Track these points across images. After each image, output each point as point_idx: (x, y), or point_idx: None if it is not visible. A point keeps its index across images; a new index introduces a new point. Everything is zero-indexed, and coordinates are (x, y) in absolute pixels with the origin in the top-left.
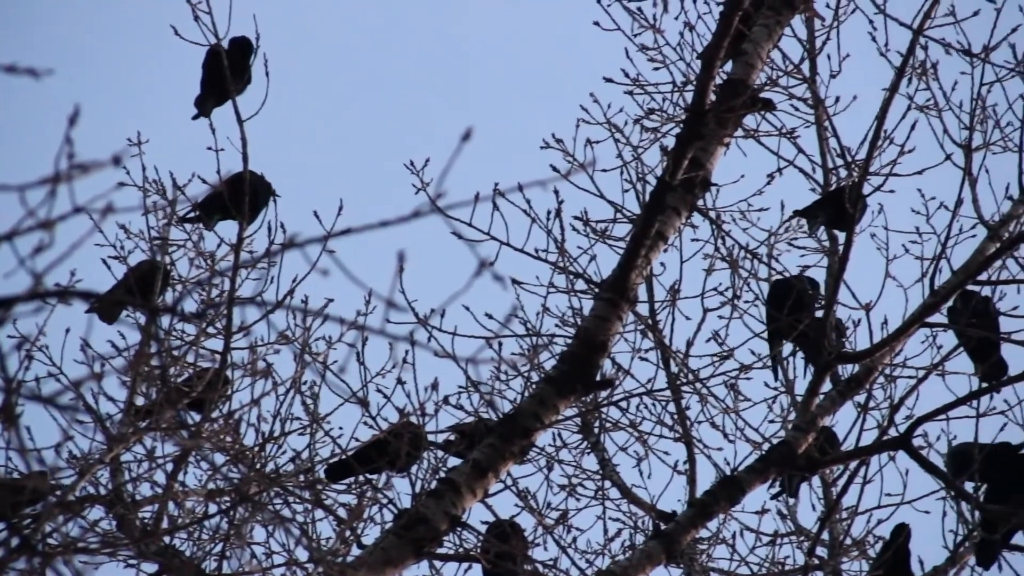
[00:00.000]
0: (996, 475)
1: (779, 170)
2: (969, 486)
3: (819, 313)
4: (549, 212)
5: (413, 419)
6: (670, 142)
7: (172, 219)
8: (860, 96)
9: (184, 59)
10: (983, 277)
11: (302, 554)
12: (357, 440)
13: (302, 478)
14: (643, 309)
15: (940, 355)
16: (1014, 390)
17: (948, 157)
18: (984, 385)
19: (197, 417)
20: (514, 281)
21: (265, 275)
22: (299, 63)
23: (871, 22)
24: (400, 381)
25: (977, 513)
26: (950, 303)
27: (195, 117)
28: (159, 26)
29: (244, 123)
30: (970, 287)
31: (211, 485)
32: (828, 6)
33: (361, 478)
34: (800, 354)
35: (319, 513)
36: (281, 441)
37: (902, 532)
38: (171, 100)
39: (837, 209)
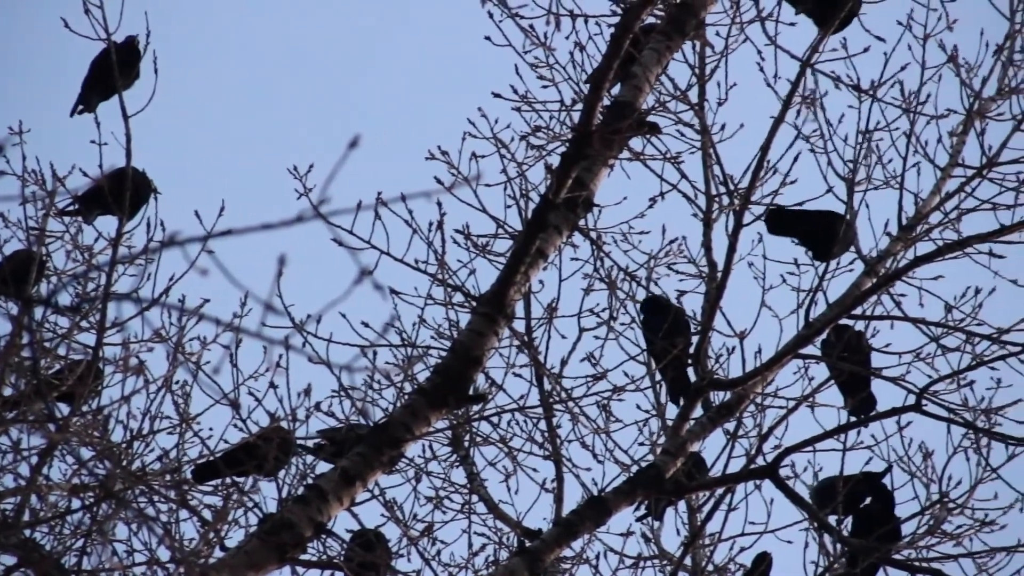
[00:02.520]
0: (859, 510)
1: (662, 194)
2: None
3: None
4: (431, 224)
5: (284, 424)
6: (555, 160)
7: (51, 210)
8: (746, 125)
9: (72, 52)
10: (858, 312)
11: (164, 554)
12: (226, 442)
13: (168, 477)
14: (520, 325)
15: (811, 387)
16: (881, 426)
17: (830, 190)
18: (852, 419)
19: (66, 410)
20: (392, 291)
21: (142, 272)
22: (190, 62)
23: (760, 52)
24: (273, 385)
25: (839, 546)
26: (824, 336)
27: (81, 112)
28: (48, 17)
29: (129, 119)
30: (844, 321)
31: (76, 480)
32: (719, 34)
33: (228, 480)
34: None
35: (183, 513)
36: (149, 439)
37: (764, 561)
38: (56, 92)
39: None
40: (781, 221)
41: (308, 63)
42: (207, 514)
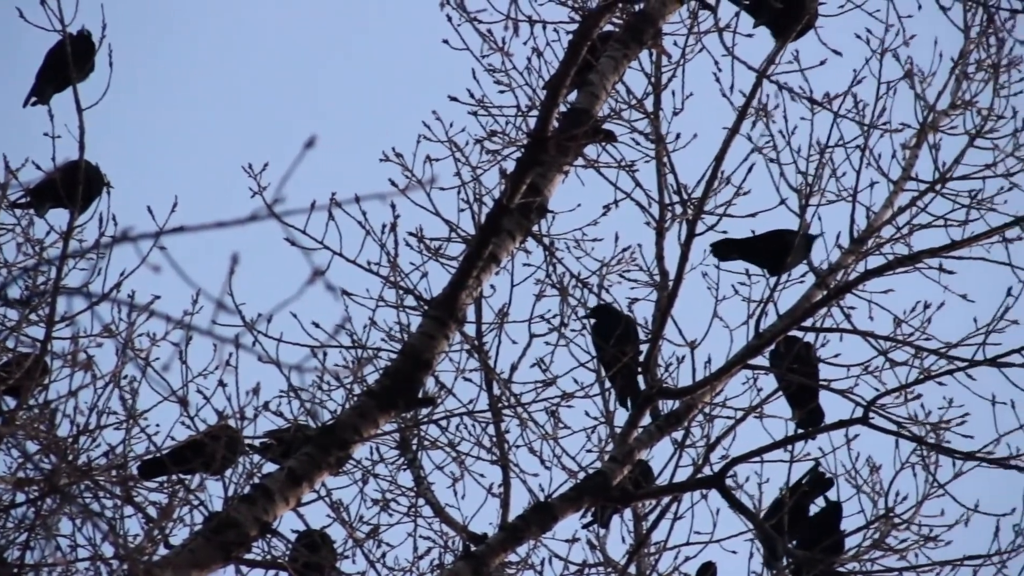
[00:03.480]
0: (805, 521)
1: (616, 202)
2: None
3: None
4: (384, 226)
5: (232, 422)
6: (510, 165)
7: (2, 203)
8: (701, 135)
9: (27, 42)
10: (808, 323)
11: (108, 550)
12: (173, 439)
13: (114, 473)
14: (470, 330)
15: (759, 397)
16: (829, 438)
17: (783, 202)
18: (799, 431)
19: (12, 404)
20: (344, 292)
21: (93, 266)
22: (146, 56)
23: (717, 63)
24: (222, 383)
25: (784, 557)
26: (773, 347)
27: (34, 103)
28: (3, 7)
29: (83, 112)
30: (794, 333)
31: (21, 474)
32: (676, 44)
33: (174, 478)
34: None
35: (129, 510)
36: (96, 434)
37: (708, 570)
38: (10, 83)
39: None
40: (728, 249)
41: (266, 61)
42: (152, 511)
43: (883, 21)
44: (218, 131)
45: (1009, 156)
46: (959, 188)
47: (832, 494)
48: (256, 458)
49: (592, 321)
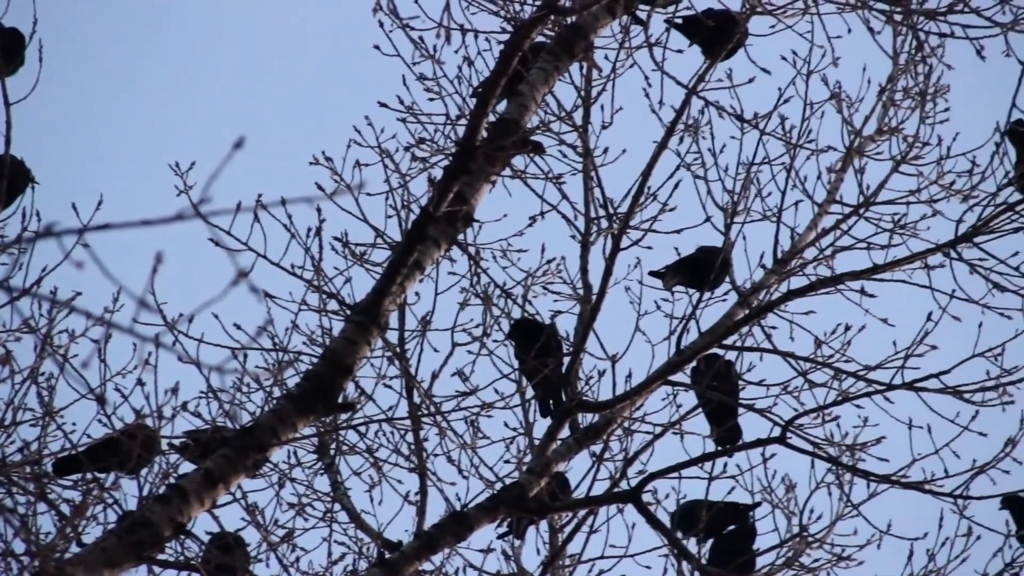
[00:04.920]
0: (720, 536)
1: (542, 213)
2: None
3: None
4: (310, 229)
5: (149, 421)
6: (438, 173)
7: None
8: (629, 150)
9: None
10: (729, 342)
11: (20, 546)
12: (89, 437)
13: (28, 470)
14: (393, 337)
15: (679, 414)
16: (747, 456)
17: (708, 219)
18: (717, 448)
19: None
20: (267, 295)
21: (15, 261)
22: (76, 52)
23: (647, 78)
24: (140, 382)
25: (697, 573)
26: (694, 364)
27: None
28: None
29: (11, 106)
30: (715, 350)
31: None
32: (607, 58)
33: (89, 476)
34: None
35: (42, 507)
36: (11, 430)
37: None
38: None
39: (696, 271)
40: (672, 274)
41: (198, 61)
42: (66, 509)
43: (811, 42)
44: (146, 129)
45: (933, 183)
46: (883, 212)
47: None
48: (173, 458)
49: (513, 333)
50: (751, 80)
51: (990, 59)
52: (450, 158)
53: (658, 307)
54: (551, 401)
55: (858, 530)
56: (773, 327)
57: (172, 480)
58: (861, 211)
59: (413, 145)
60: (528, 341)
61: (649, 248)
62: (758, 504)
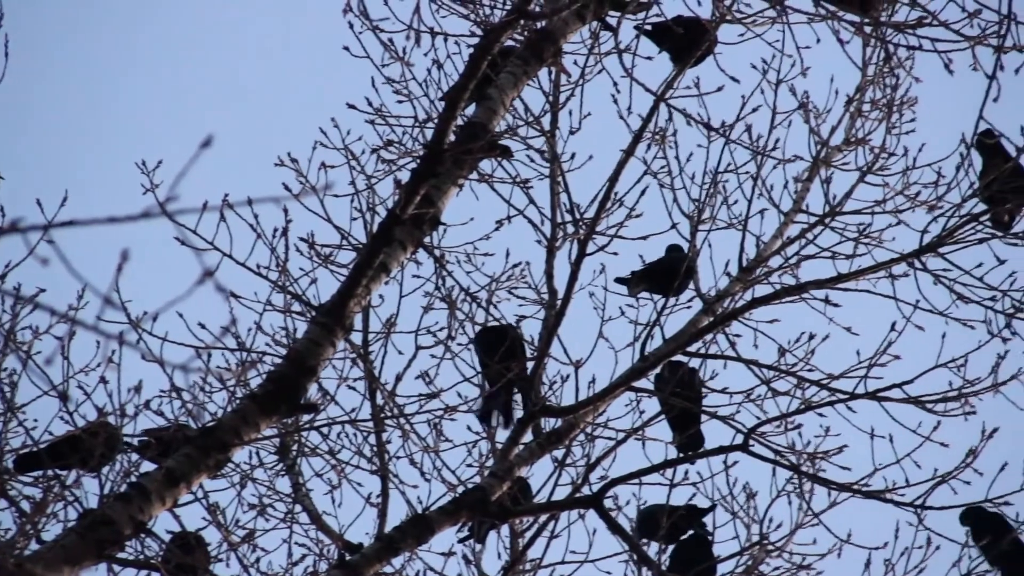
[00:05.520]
0: (679, 543)
1: (508, 218)
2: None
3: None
4: (276, 230)
5: (111, 419)
6: (405, 176)
7: None
8: (596, 156)
9: None
10: (693, 349)
11: None
12: (51, 434)
13: None
14: (357, 338)
15: (642, 420)
16: (708, 463)
17: (674, 226)
18: (679, 455)
19: None
20: (232, 295)
21: None
22: (44, 46)
23: (616, 84)
24: (103, 380)
25: None
26: (657, 370)
27: None
28: None
29: None
30: (679, 357)
31: None
32: (576, 63)
33: (50, 473)
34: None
35: (2, 503)
36: None
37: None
38: None
39: (661, 277)
40: (638, 281)
41: (167, 58)
42: (26, 505)
43: (780, 51)
44: (113, 127)
45: (898, 194)
46: (848, 222)
47: (708, 519)
48: (134, 456)
49: (477, 341)
50: (720, 89)
51: (957, 71)
52: (418, 161)
53: (623, 313)
54: (507, 412)
55: (818, 539)
56: (737, 335)
57: (133, 478)
58: (827, 220)
59: (381, 147)
60: (492, 349)
61: (615, 254)
62: (714, 506)
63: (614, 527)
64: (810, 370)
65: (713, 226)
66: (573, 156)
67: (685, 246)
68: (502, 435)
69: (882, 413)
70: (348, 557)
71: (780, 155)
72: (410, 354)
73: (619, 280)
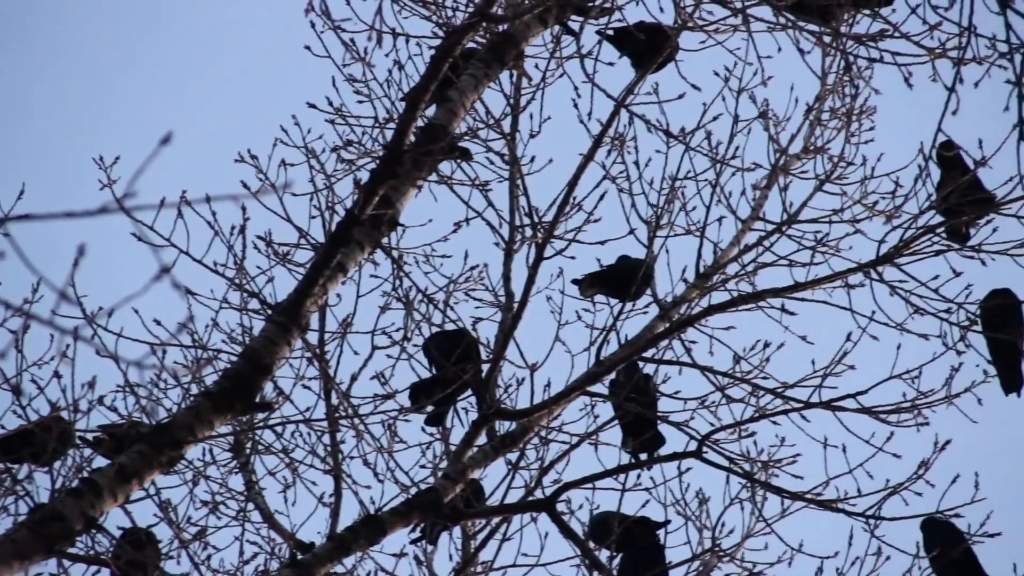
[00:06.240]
0: (631, 550)
1: (467, 220)
2: (605, 556)
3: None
4: (233, 228)
5: (64, 414)
6: (364, 176)
7: None
8: (556, 160)
9: None
10: (649, 354)
11: None
12: (3, 428)
13: None
14: (313, 338)
15: (596, 424)
16: (661, 469)
17: (632, 231)
18: (633, 460)
19: None
20: (188, 291)
21: None
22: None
23: (576, 89)
24: (57, 374)
25: None
26: (613, 375)
27: None
28: None
29: None
30: (635, 362)
31: None
32: (537, 67)
33: (1, 467)
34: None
35: None
36: None
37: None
38: None
39: (618, 282)
40: (591, 283)
41: (126, 53)
42: None
43: (742, 59)
44: (72, 121)
45: (856, 203)
46: (805, 230)
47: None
48: (87, 452)
49: (432, 341)
50: (681, 96)
51: (916, 83)
52: (377, 161)
53: (579, 317)
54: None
55: (769, 546)
56: (693, 341)
57: (85, 474)
58: (784, 228)
59: (340, 147)
60: (449, 345)
61: (573, 258)
62: (668, 522)
63: (566, 531)
64: (765, 378)
65: (671, 232)
66: (533, 159)
67: (642, 252)
68: (456, 437)
69: (836, 423)
70: (300, 556)
71: (739, 163)
72: (366, 354)
73: (574, 281)
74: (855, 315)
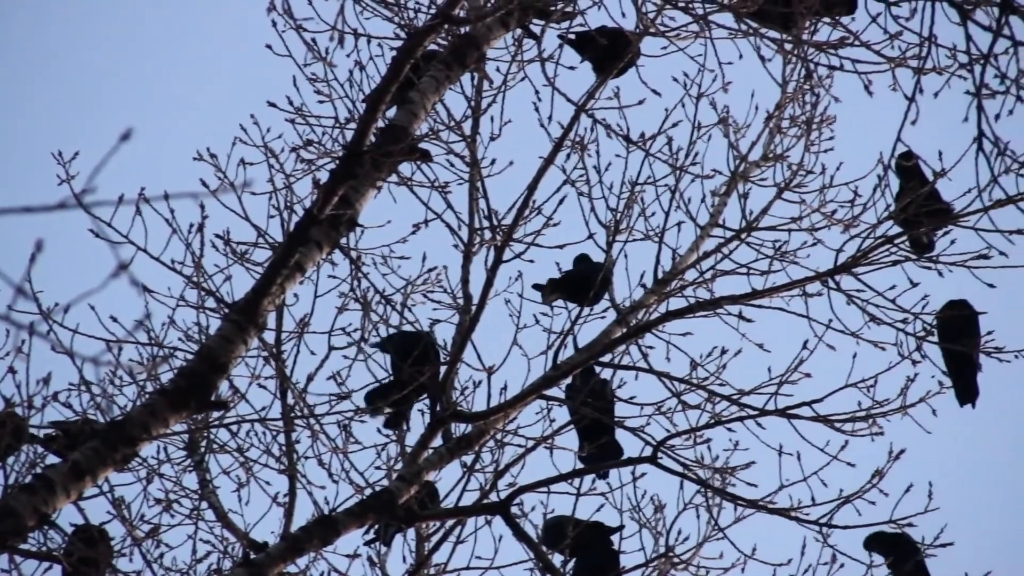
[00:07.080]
0: (585, 554)
1: (426, 222)
2: (559, 560)
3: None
4: (191, 226)
5: (18, 410)
6: (324, 176)
7: None
8: (516, 163)
9: None
10: (606, 359)
11: None
12: None
13: None
14: (270, 337)
15: (552, 428)
16: (618, 474)
17: (591, 236)
18: (588, 465)
19: None
20: (145, 289)
21: None
22: None
23: (537, 92)
24: (12, 370)
25: None
26: (570, 380)
27: None
28: None
29: None
30: (592, 366)
31: None
32: (499, 70)
33: None
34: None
35: None
36: None
37: None
38: None
39: (576, 287)
40: (553, 288)
41: (86, 49)
42: None
43: (702, 66)
44: (30, 117)
45: (815, 212)
46: (764, 238)
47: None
48: (40, 448)
49: (392, 341)
50: (641, 101)
51: (877, 92)
52: (337, 161)
53: (537, 321)
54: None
55: (724, 553)
56: (650, 347)
57: (39, 470)
58: (743, 236)
59: (300, 147)
60: (401, 355)
61: (531, 262)
62: (622, 527)
63: (520, 534)
64: (721, 385)
65: (630, 237)
66: (493, 162)
67: (600, 256)
68: (412, 439)
69: (791, 430)
70: (253, 556)
71: (699, 169)
72: (323, 354)
73: (535, 287)
74: (812, 323)
